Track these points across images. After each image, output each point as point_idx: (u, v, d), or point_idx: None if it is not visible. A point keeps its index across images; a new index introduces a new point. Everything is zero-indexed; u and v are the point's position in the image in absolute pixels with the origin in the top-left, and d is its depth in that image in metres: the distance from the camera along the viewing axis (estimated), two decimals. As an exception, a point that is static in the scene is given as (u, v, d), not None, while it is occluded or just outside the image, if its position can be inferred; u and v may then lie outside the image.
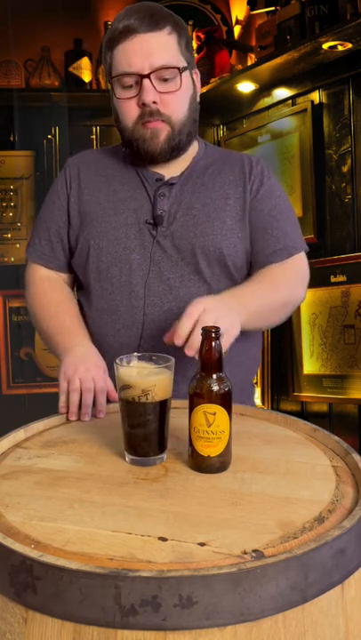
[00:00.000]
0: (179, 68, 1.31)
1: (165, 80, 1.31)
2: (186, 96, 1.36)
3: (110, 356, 1.32)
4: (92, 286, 1.43)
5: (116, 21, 1.33)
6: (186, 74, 1.34)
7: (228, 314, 1.16)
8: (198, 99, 1.42)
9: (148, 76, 1.29)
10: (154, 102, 1.30)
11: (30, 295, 1.49)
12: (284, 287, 1.39)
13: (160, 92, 1.31)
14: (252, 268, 1.46)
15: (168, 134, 1.35)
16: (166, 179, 1.41)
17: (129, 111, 1.34)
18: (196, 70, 1.41)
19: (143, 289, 1.37)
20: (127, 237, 1.39)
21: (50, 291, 1.46)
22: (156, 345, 1.33)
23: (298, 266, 1.45)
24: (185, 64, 1.34)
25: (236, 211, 1.40)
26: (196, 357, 1.03)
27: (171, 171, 1.42)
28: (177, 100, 1.33)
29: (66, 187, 1.48)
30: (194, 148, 1.47)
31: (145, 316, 1.37)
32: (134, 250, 1.38)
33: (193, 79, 1.39)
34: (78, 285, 1.53)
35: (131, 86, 1.32)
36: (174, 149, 1.37)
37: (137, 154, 1.38)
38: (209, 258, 1.37)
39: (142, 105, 1.31)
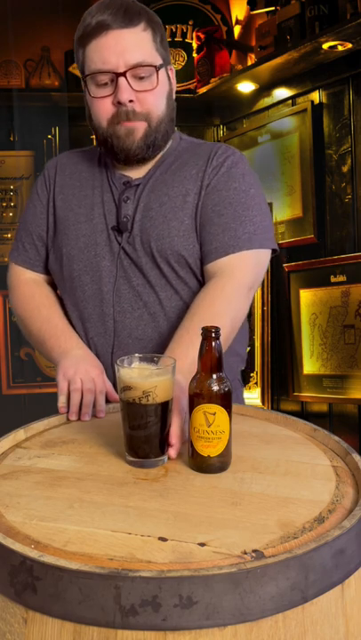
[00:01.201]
0: (155, 66, 1.28)
1: (141, 78, 1.27)
2: (162, 94, 1.32)
3: None
4: (67, 294, 1.42)
5: (89, 16, 1.29)
6: (162, 71, 1.30)
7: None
8: (174, 96, 1.38)
9: (123, 74, 1.25)
10: (130, 101, 1.27)
11: (17, 298, 1.47)
12: (225, 314, 1.24)
13: (136, 91, 1.27)
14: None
15: (145, 131, 1.31)
16: (133, 180, 1.38)
17: (104, 110, 1.30)
18: (172, 67, 1.37)
19: (112, 296, 1.35)
20: (97, 244, 1.36)
21: (38, 294, 1.45)
22: (128, 352, 1.32)
23: (238, 271, 1.29)
24: (160, 61, 1.30)
25: (193, 208, 1.33)
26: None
27: (139, 171, 1.38)
28: (154, 98, 1.30)
29: (46, 190, 1.46)
30: (167, 145, 1.41)
31: (115, 323, 1.35)
32: (104, 257, 1.36)
33: (168, 76, 1.35)
34: None
35: (105, 84, 1.28)
36: (150, 147, 1.33)
37: (111, 151, 1.35)
38: (169, 261, 1.33)
39: (118, 104, 1.28)
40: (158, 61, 1.29)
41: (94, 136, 1.39)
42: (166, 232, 1.32)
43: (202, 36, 2.84)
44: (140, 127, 1.30)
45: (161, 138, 1.34)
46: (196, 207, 1.33)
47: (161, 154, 1.40)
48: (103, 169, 1.42)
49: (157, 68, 1.28)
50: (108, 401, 1.28)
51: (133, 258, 1.34)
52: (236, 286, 1.29)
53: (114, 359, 1.31)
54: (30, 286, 1.46)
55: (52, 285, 1.50)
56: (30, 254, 1.47)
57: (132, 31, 1.26)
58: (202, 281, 1.36)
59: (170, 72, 1.36)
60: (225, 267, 1.30)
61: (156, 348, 1.33)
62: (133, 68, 1.26)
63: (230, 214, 1.31)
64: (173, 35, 2.95)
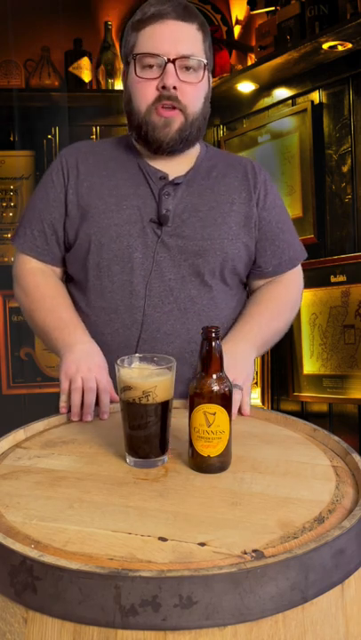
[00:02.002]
0: (204, 62, 1.34)
1: (188, 69, 1.32)
2: (203, 91, 1.37)
3: (107, 356, 1.32)
4: (91, 283, 1.39)
5: (147, 6, 1.34)
6: (207, 71, 1.37)
7: (244, 372, 1.29)
8: (209, 100, 1.43)
9: (173, 61, 1.29)
10: (174, 88, 1.30)
11: (22, 288, 1.45)
12: (287, 307, 1.49)
13: (181, 81, 1.31)
14: (255, 276, 1.48)
15: (181, 124, 1.34)
16: (170, 178, 1.39)
17: (146, 93, 1.32)
18: (210, 74, 1.43)
19: (144, 289, 1.35)
20: (130, 235, 1.36)
21: (43, 284, 1.42)
22: (155, 346, 1.33)
23: (297, 275, 1.53)
24: (206, 62, 1.36)
25: (240, 217, 1.41)
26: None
27: (173, 169, 1.40)
28: (196, 91, 1.34)
29: (63, 177, 1.42)
30: (196, 149, 1.46)
31: (145, 316, 1.35)
32: (137, 248, 1.36)
33: (209, 80, 1.41)
34: (70, 280, 1.48)
35: (152, 67, 1.31)
36: (183, 141, 1.36)
37: (144, 140, 1.36)
38: (213, 261, 1.37)
39: (162, 88, 1.30)
40: (205, 60, 1.35)
41: (127, 122, 1.40)
42: (217, 233, 1.38)
43: (202, 35, 2.84)
44: (177, 119, 1.33)
45: (195, 133, 1.38)
46: (247, 218, 1.41)
47: (195, 156, 1.45)
48: (133, 160, 1.43)
49: (206, 65, 1.34)
50: (110, 401, 1.28)
51: (173, 252, 1.36)
52: (295, 286, 1.53)
53: (138, 352, 1.30)
54: (35, 276, 1.43)
55: (59, 278, 1.48)
56: (38, 242, 1.43)
57: (188, 26, 1.33)
58: (232, 283, 1.42)
59: (209, 78, 1.42)
60: (287, 275, 1.50)
61: (183, 344, 1.35)
62: (184, 58, 1.30)
63: (288, 230, 1.50)
64: (173, 35, 2.95)
